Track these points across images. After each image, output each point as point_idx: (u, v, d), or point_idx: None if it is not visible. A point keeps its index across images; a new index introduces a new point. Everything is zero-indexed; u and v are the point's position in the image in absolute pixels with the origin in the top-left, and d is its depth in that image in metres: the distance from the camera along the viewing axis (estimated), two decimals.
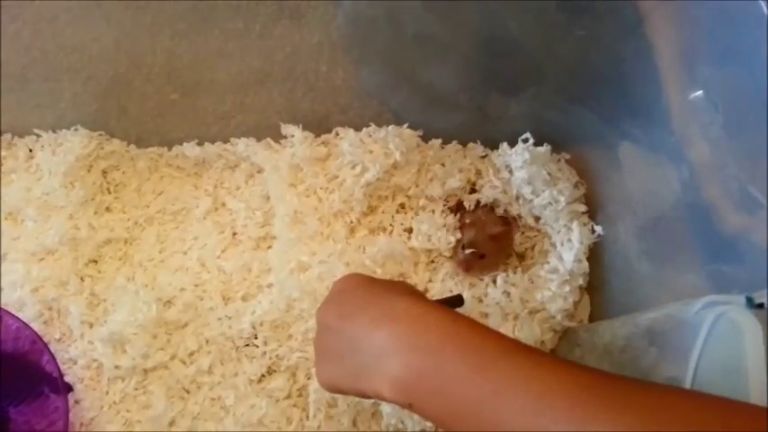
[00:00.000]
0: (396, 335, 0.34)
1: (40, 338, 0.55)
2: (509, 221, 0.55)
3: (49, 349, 0.54)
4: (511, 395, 0.29)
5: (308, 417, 0.53)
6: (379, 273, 0.53)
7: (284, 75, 0.56)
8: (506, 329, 0.51)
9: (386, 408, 0.51)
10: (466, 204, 0.56)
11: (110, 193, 0.64)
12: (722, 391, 0.29)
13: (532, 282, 0.52)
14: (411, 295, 0.38)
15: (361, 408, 0.52)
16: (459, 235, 0.55)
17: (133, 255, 0.61)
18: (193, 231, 0.62)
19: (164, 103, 0.61)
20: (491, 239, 0.53)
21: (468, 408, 0.30)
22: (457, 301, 0.49)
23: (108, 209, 0.63)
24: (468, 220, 0.55)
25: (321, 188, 0.57)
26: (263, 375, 0.54)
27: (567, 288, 0.50)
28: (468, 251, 0.53)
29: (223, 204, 0.63)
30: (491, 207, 0.56)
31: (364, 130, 0.56)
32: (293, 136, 0.58)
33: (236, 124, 0.62)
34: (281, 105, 0.59)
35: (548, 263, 0.52)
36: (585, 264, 0.50)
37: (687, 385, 0.34)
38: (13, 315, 0.55)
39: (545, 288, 0.51)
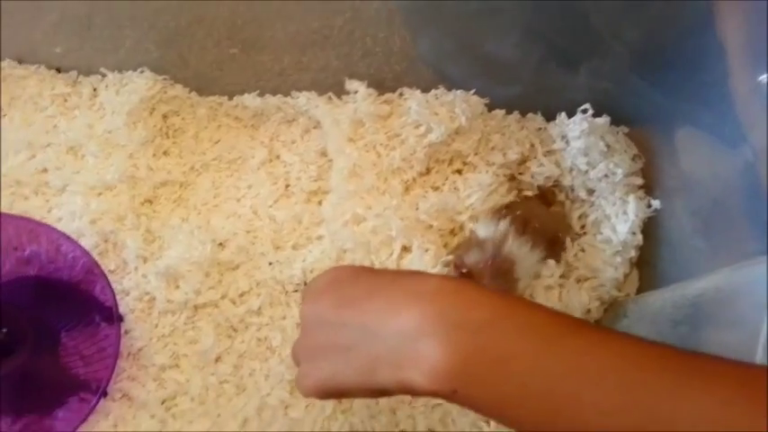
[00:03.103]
0: (431, 314, 0.31)
1: (98, 266, 0.59)
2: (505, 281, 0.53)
3: (105, 277, 0.59)
4: (593, 371, 0.28)
5: None
6: (435, 225, 0.57)
7: (342, 38, 0.61)
8: (551, 296, 0.55)
9: None
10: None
11: (168, 137, 0.69)
12: None
13: (583, 250, 0.55)
14: (437, 275, 0.36)
15: None
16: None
17: (188, 198, 0.66)
18: (247, 180, 0.66)
19: (223, 57, 0.66)
20: (491, 267, 0.52)
21: (535, 390, 0.29)
22: None
23: (166, 153, 0.68)
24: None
25: (381, 145, 0.61)
26: None
27: (619, 259, 0.54)
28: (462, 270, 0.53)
29: (278, 157, 0.67)
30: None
31: (432, 91, 0.61)
32: (356, 92, 0.62)
33: (293, 82, 0.66)
34: (338, 68, 0.64)
35: (600, 233, 0.56)
36: (639, 236, 0.54)
37: (758, 358, 0.35)
38: (73, 241, 0.59)
39: (596, 257, 0.55)
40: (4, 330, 0.59)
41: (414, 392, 0.32)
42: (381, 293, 0.35)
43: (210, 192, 0.67)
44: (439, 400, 0.56)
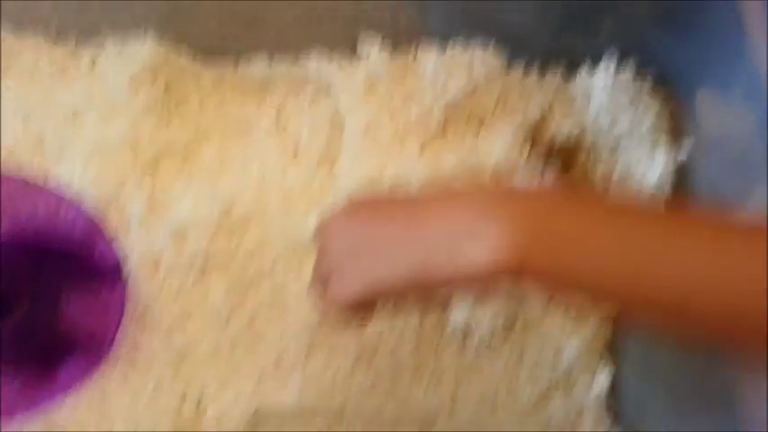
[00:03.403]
0: (490, 205, 0.30)
1: (100, 227, 0.56)
2: None
3: (107, 239, 0.56)
4: (686, 236, 0.28)
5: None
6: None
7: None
8: None
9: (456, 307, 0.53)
10: None
11: (170, 108, 0.67)
12: None
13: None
14: None
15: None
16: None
17: (192, 166, 0.64)
18: (254, 148, 0.65)
19: (229, 22, 0.64)
20: None
21: (611, 259, 0.28)
22: None
23: (167, 124, 0.66)
24: None
25: (396, 104, 0.60)
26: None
27: None
28: None
29: (285, 125, 0.66)
30: None
31: (449, 51, 0.61)
32: (369, 53, 0.62)
33: (302, 45, 0.66)
34: (349, 28, 0.63)
35: (626, 188, 0.56)
36: (668, 188, 0.54)
37: None
38: (72, 203, 0.57)
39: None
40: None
41: (473, 279, 0.30)
42: (424, 200, 0.33)
43: (215, 160, 0.65)
44: (466, 349, 0.54)
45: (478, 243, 0.29)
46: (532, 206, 0.30)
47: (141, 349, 0.55)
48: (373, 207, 0.36)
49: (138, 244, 0.58)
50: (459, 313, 0.54)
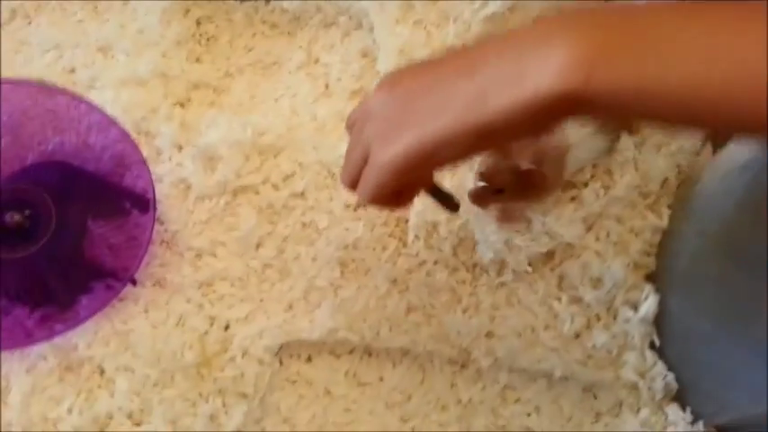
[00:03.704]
0: (553, 26, 0.28)
1: (131, 154, 0.55)
2: (554, 168, 0.47)
3: (138, 165, 0.55)
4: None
5: (404, 245, 0.52)
6: None
7: None
8: (628, 169, 0.51)
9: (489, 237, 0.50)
10: None
11: (201, 44, 0.67)
12: None
13: None
14: None
15: (463, 235, 0.52)
16: None
17: (222, 100, 0.63)
18: (285, 82, 0.64)
19: None
20: (514, 175, 0.46)
21: (679, 68, 0.26)
22: (449, 200, 0.44)
23: (198, 60, 0.66)
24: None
25: (432, 23, 0.58)
26: (358, 205, 0.54)
27: None
28: (479, 184, 0.47)
29: (317, 60, 0.65)
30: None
31: None
32: None
33: None
34: None
35: None
36: None
37: None
38: (103, 130, 0.56)
39: None
40: (27, 213, 0.55)
41: (536, 109, 0.27)
42: (479, 45, 0.31)
43: (246, 93, 0.64)
44: (503, 278, 0.52)
45: (543, 62, 0.27)
46: (592, 21, 0.28)
47: (169, 276, 0.54)
48: (417, 70, 0.33)
49: (169, 170, 0.57)
50: (495, 240, 0.51)
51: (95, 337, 0.51)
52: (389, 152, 0.32)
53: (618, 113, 0.28)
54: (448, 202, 0.45)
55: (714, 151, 0.53)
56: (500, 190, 0.47)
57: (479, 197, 0.47)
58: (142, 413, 0.49)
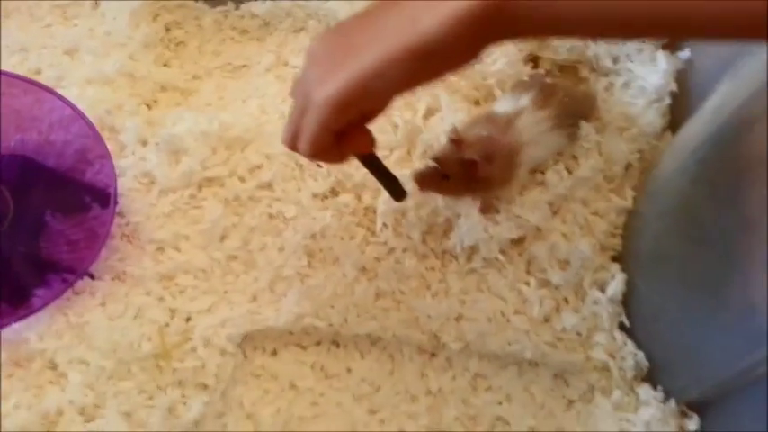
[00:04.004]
0: None
1: (94, 149, 0.55)
2: (504, 165, 0.48)
3: (101, 160, 0.54)
4: None
5: (373, 233, 0.52)
6: (462, 86, 0.55)
7: None
8: (591, 154, 0.52)
9: (462, 224, 0.50)
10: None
11: (170, 49, 0.67)
12: None
13: (620, 101, 0.54)
14: None
15: (432, 222, 0.52)
16: None
17: (190, 102, 0.63)
18: (254, 83, 0.64)
19: None
20: (462, 166, 0.47)
21: None
22: (396, 184, 0.45)
23: (166, 64, 0.66)
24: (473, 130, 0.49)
25: None
26: (325, 196, 0.54)
27: (655, 106, 0.52)
28: (430, 164, 0.48)
29: (286, 62, 0.66)
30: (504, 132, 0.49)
31: None
32: None
33: None
34: None
35: (631, 90, 0.54)
36: (673, 84, 0.53)
37: None
38: (69, 124, 0.55)
39: (631, 108, 0.53)
40: None
41: (463, 22, 0.29)
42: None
43: (214, 94, 0.64)
44: (473, 264, 0.52)
45: None
46: None
47: (129, 269, 0.52)
48: (349, 18, 0.34)
49: (132, 164, 0.56)
50: (464, 229, 0.51)
51: (48, 330, 0.49)
52: (327, 89, 0.32)
53: (537, 26, 0.29)
54: (394, 186, 0.45)
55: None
56: (446, 177, 0.47)
57: (424, 178, 0.48)
58: (95, 408, 0.47)
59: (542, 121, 0.50)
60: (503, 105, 0.52)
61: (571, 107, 0.52)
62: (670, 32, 0.35)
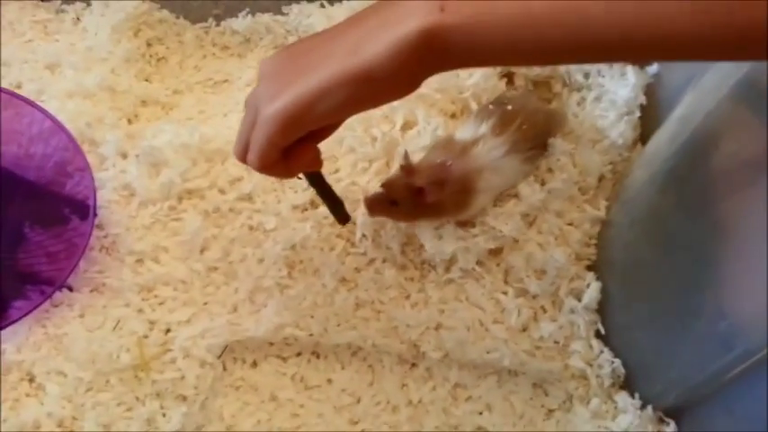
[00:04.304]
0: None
1: (74, 161, 0.55)
2: (457, 191, 0.49)
3: (80, 173, 0.55)
4: None
5: (352, 244, 0.53)
6: (439, 100, 0.57)
7: None
8: (567, 166, 0.53)
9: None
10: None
11: (151, 65, 0.68)
12: None
13: (591, 115, 0.55)
14: None
15: (411, 233, 0.52)
16: None
17: (171, 116, 0.64)
18: (235, 98, 0.65)
19: None
20: (410, 192, 0.48)
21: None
22: (337, 206, 0.48)
23: (147, 79, 0.67)
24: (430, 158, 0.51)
25: None
26: (305, 208, 0.55)
27: (625, 119, 0.54)
28: (379, 190, 0.49)
29: None
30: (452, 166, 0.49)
31: None
32: None
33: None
34: None
35: (602, 103, 0.56)
36: (642, 97, 0.55)
37: None
38: (49, 137, 0.55)
39: (602, 120, 0.55)
40: None
41: (403, 48, 0.30)
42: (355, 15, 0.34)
43: (195, 108, 0.65)
44: (451, 275, 0.52)
45: (406, 10, 0.31)
46: None
47: (108, 281, 0.52)
48: (302, 39, 0.37)
49: (112, 177, 0.57)
50: (444, 242, 0.52)
51: (26, 342, 0.49)
52: (274, 105, 0.34)
53: (473, 53, 0.31)
54: (338, 208, 0.47)
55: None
56: (394, 202, 0.48)
57: (373, 203, 0.49)
58: (73, 420, 0.46)
59: (498, 147, 0.51)
60: (463, 132, 0.53)
61: (530, 132, 0.52)
62: (600, 60, 0.38)
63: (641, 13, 0.28)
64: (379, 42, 0.31)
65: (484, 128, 0.52)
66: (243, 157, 0.39)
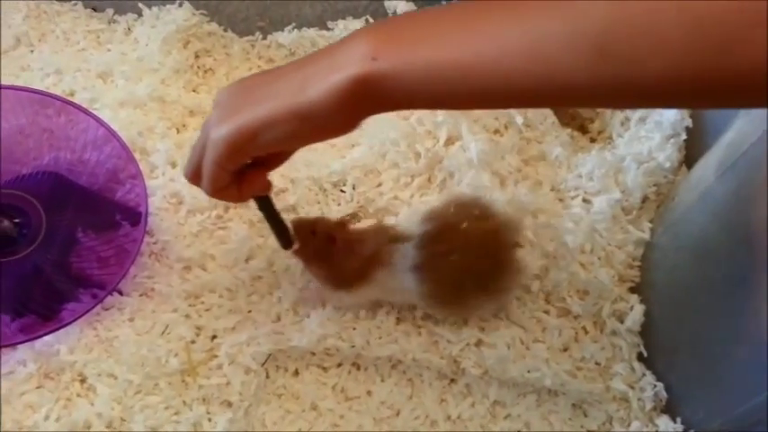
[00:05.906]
0: (355, 33, 0.35)
1: (126, 169, 0.57)
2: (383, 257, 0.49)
3: (131, 180, 0.57)
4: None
5: None
6: (481, 116, 0.58)
7: None
8: (609, 183, 0.54)
9: None
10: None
11: (199, 76, 0.70)
12: None
13: (636, 135, 0.56)
14: None
15: None
16: None
17: None
18: None
19: None
20: (326, 235, 0.50)
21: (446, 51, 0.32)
22: (285, 233, 0.49)
23: (195, 90, 0.69)
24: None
25: None
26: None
27: (672, 141, 0.55)
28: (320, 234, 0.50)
29: None
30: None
31: None
32: (396, 6, 0.64)
33: (330, 15, 0.69)
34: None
35: (646, 125, 0.57)
36: (688, 119, 0.55)
37: None
38: (102, 144, 0.58)
39: (648, 142, 0.55)
40: (17, 220, 0.56)
41: (341, 90, 0.33)
42: (299, 65, 0.37)
43: None
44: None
45: (346, 55, 0.34)
46: (384, 22, 0.36)
47: (157, 287, 0.55)
48: (259, 72, 0.40)
49: (162, 185, 0.59)
50: None
51: (78, 344, 0.51)
52: (221, 130, 0.37)
53: (404, 97, 0.34)
54: (283, 234, 0.49)
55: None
56: (314, 233, 0.50)
57: (303, 222, 0.51)
58: (122, 422, 0.49)
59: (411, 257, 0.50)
60: (407, 222, 0.52)
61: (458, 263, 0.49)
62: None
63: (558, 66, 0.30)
64: (320, 85, 0.34)
65: (420, 228, 0.50)
66: (191, 178, 0.42)
